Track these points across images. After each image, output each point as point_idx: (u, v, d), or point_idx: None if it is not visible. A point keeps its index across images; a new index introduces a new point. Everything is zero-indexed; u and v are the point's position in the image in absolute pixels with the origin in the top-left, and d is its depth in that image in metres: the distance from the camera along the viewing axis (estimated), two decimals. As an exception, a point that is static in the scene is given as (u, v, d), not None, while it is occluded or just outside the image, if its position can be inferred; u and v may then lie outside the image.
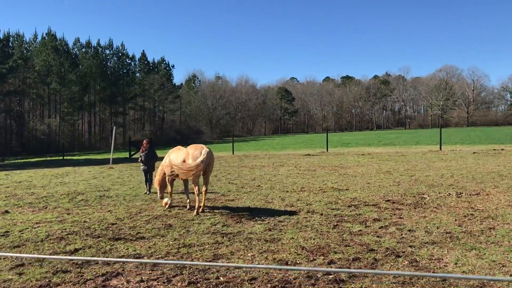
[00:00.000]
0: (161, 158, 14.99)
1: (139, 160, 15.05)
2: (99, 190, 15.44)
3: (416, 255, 6.39)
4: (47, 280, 5.89)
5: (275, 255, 6.64)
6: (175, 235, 8.25)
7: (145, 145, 14.87)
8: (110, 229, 9.05)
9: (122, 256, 6.93)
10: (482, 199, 10.81)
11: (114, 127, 26.52)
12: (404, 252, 6.59)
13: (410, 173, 16.62)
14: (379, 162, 21.83)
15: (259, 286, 5.37)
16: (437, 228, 8.07)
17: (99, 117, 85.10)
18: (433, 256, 6.35)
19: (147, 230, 8.78)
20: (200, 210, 10.33)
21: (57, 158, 43.45)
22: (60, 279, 5.92)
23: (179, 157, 10.78)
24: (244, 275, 5.76)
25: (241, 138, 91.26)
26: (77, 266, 6.51)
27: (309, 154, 29.45)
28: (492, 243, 6.93)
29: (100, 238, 8.18)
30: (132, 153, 35.93)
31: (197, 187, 10.36)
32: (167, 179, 11.42)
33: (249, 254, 6.77)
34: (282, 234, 8.00)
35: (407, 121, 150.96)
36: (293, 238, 7.66)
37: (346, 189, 13.29)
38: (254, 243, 7.42)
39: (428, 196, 11.56)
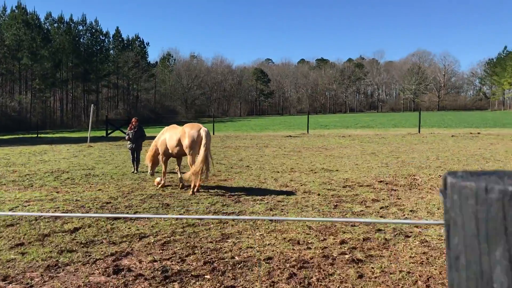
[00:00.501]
0: (150, 138, 14.73)
1: (126, 138, 14.69)
2: (83, 168, 15.09)
3: (425, 235, 6.43)
4: (54, 260, 5.68)
5: (284, 235, 6.59)
6: (175, 214, 8.10)
7: (134, 123, 14.47)
8: (106, 208, 8.83)
9: (127, 236, 6.75)
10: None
11: (92, 105, 25.83)
12: (411, 232, 6.63)
13: (395, 155, 16.82)
14: (362, 144, 22.02)
15: (276, 265, 5.31)
16: (438, 209, 8.17)
17: (72, 94, 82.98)
18: (441, 236, 6.41)
19: (144, 210, 8.61)
20: (195, 189, 10.18)
21: (30, 136, 42.23)
22: (67, 259, 5.72)
23: (174, 136, 10.56)
24: (259, 255, 5.69)
25: (217, 119, 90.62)
26: (82, 245, 6.31)
27: (290, 136, 29.49)
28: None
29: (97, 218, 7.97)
30: (109, 131, 35.24)
31: (193, 166, 10.18)
32: (160, 158, 11.18)
33: (257, 234, 6.70)
34: (285, 214, 7.96)
35: (380, 104, 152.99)
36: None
37: (336, 170, 13.34)
38: (259, 223, 7.35)
39: (420, 177, 11.71)
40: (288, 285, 4.68)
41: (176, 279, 4.93)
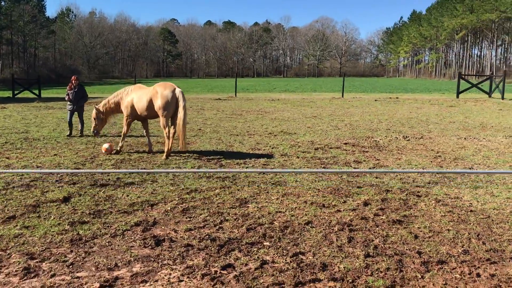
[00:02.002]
0: (92, 99, 13.57)
1: (66, 99, 13.34)
2: (16, 132, 13.60)
3: (434, 194, 6.68)
4: (74, 234, 5.04)
5: (302, 198, 6.46)
6: (166, 180, 7.59)
7: (74, 82, 13.13)
8: (80, 175, 8.02)
9: (134, 204, 6.19)
10: (432, 142, 11.65)
11: None
12: (419, 192, 6.85)
13: (338, 118, 17.26)
14: (296, 108, 22.30)
15: (323, 229, 5.18)
16: (424, 168, 8.53)
17: (-44, 50, 73.77)
18: (449, 194, 6.70)
19: (127, 175, 7.95)
20: (168, 154, 9.61)
21: None
22: (88, 232, 5.11)
23: (144, 97, 9.78)
24: (295, 219, 5.52)
25: (126, 80, 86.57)
26: (92, 216, 5.68)
27: (220, 99, 29.02)
28: (488, 181, 7.51)
29: (79, 185, 7.22)
30: (16, 92, 32.12)
31: (166, 128, 9.56)
32: (124, 121, 10.31)
33: (273, 198, 6.50)
34: (282, 177, 7.80)
35: (285, 69, 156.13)
36: (297, 181, 7.53)
37: (294, 133, 13.38)
38: (264, 186, 7.14)
39: (379, 139, 12.14)
40: (356, 248, 4.59)
41: (233, 248, 4.61)
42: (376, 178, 7.78)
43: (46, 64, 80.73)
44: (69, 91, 13.18)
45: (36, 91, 31.76)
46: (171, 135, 9.60)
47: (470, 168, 8.59)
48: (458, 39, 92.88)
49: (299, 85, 53.84)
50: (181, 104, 9.37)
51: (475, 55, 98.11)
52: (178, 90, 9.55)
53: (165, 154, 9.56)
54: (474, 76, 47.88)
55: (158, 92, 9.55)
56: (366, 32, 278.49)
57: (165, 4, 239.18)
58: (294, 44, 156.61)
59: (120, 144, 10.32)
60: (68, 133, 12.92)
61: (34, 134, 13.24)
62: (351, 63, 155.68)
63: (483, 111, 20.14)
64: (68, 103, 13.31)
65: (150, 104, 9.67)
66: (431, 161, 9.20)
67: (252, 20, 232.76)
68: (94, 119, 10.65)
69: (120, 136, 11.43)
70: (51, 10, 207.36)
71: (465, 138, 12.24)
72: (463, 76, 30.38)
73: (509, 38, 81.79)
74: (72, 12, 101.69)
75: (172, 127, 9.71)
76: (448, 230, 5.15)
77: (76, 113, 13.35)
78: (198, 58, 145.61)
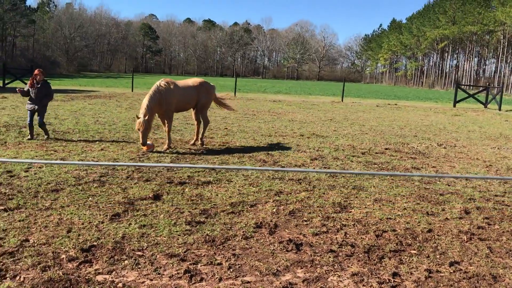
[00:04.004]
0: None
1: (21, 94, 10.84)
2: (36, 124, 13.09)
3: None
4: (203, 234, 4.84)
5: (398, 204, 6.41)
6: (241, 181, 7.42)
7: (38, 76, 10.69)
8: (144, 171, 7.76)
9: (232, 204, 6.02)
10: (469, 151, 11.81)
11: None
12: (503, 201, 6.89)
13: (355, 123, 17.30)
14: (304, 110, 22.27)
15: (448, 236, 5.15)
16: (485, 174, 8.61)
17: None
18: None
19: (197, 173, 7.74)
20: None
21: None
22: (215, 232, 4.92)
23: (191, 91, 10.22)
24: (414, 227, 5.46)
25: (105, 74, 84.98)
26: (204, 215, 5.48)
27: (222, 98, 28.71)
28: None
29: (155, 182, 7.00)
30: (7, 82, 31.07)
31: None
32: (170, 117, 10.16)
33: (368, 203, 6.43)
34: (358, 182, 7.74)
35: (264, 71, 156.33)
36: (375, 186, 7.48)
37: (326, 136, 13.35)
38: (347, 191, 7.07)
39: (416, 146, 12.23)
40: (508, 259, 4.57)
41: (381, 255, 4.52)
42: (448, 185, 7.80)
43: (24, 54, 78.44)
44: (30, 89, 10.65)
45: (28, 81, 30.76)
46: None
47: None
48: (439, 49, 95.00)
49: (288, 87, 53.96)
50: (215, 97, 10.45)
51: (449, 66, 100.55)
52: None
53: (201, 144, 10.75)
54: (468, 86, 48.99)
55: (204, 86, 10.38)
56: (344, 38, 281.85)
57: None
58: (274, 46, 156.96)
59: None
60: (28, 136, 10.60)
61: (60, 126, 12.80)
62: (329, 68, 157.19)
63: (490, 121, 20.59)
64: (28, 101, 10.78)
65: (196, 97, 9.93)
66: (488, 170, 9.30)
67: (232, 20, 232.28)
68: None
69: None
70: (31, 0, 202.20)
71: (498, 148, 12.45)
72: (460, 86, 31.04)
73: (488, 50, 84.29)
74: (53, 2, 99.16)
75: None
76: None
77: (36, 113, 10.80)
78: (178, 55, 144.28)
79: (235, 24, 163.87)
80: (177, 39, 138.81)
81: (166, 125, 10.06)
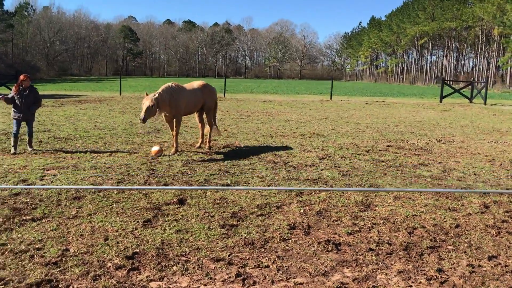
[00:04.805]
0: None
1: (5, 101, 9.61)
2: (38, 130, 12.93)
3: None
4: (241, 237, 4.88)
5: (418, 201, 6.54)
6: (258, 183, 7.48)
7: (23, 82, 9.73)
8: (175, 176, 7.77)
9: (259, 206, 6.08)
10: (468, 145, 12.05)
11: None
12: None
13: (350, 121, 17.47)
14: (296, 109, 22.38)
15: (476, 230, 5.28)
16: (493, 172, 8.80)
17: None
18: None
19: (213, 176, 7.77)
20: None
21: None
22: (252, 235, 4.97)
23: (198, 93, 10.49)
24: (442, 223, 5.59)
25: (85, 78, 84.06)
26: (236, 218, 5.52)
27: (211, 99, 28.67)
28: None
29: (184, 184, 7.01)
30: (-9, 88, 30.54)
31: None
32: (180, 121, 10.16)
33: (389, 201, 6.55)
34: (371, 180, 7.86)
35: (246, 71, 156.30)
36: (390, 184, 7.60)
37: (326, 135, 13.46)
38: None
39: (416, 142, 12.43)
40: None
41: (421, 252, 4.62)
42: (459, 181, 7.97)
43: (3, 60, 76.91)
44: (15, 95, 9.68)
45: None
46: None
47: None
48: (419, 46, 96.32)
49: (273, 87, 54.11)
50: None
51: (429, 62, 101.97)
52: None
53: (208, 146, 10.87)
54: (453, 82, 49.78)
55: (208, 89, 10.94)
56: (324, 36, 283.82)
57: (122, 1, 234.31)
58: (255, 45, 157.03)
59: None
60: (12, 150, 9.53)
61: (59, 133, 12.67)
62: (310, 66, 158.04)
63: (479, 115, 21.01)
64: (14, 109, 9.74)
65: (203, 100, 10.82)
66: (492, 164, 9.51)
67: (212, 20, 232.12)
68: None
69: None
70: (8, 4, 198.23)
71: (495, 142, 12.73)
72: (445, 82, 31.57)
73: (467, 45, 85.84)
74: (31, 6, 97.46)
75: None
76: None
77: (23, 122, 9.93)
78: (159, 57, 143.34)
79: (216, 24, 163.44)
80: (157, 41, 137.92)
81: (174, 128, 10.02)
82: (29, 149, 9.78)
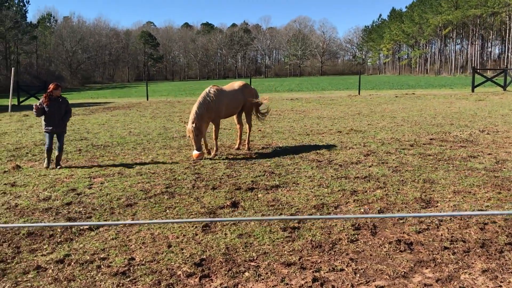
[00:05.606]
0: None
1: (35, 114, 8.93)
2: (74, 139, 13.04)
3: None
4: (308, 241, 4.73)
5: (477, 195, 6.28)
6: (307, 183, 7.31)
7: (53, 92, 9.03)
8: (225, 180, 7.66)
9: (315, 206, 5.91)
10: (515, 135, 11.64)
11: (13, 68, 22.40)
12: None
13: (385, 116, 17.12)
14: (327, 106, 22.12)
15: (551, 225, 5.01)
16: (551, 161, 8.44)
17: None
18: None
19: (260, 178, 7.64)
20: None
21: None
22: (317, 237, 4.81)
23: (238, 96, 10.25)
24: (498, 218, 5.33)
25: (109, 85, 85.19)
26: (297, 221, 5.37)
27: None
28: None
29: (223, 189, 6.89)
30: (21, 99, 31.22)
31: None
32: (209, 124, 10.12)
33: (448, 196, 6.30)
34: (433, 175, 7.60)
35: (266, 70, 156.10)
36: (443, 179, 7.34)
37: (364, 131, 13.19)
38: (417, 185, 6.93)
39: (458, 134, 12.06)
40: None
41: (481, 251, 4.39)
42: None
43: (28, 71, 78.61)
44: (45, 106, 8.91)
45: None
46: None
47: None
48: (443, 35, 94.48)
49: (296, 85, 53.82)
50: None
51: (453, 51, 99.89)
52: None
53: (244, 145, 10.80)
54: (484, 71, 48.64)
55: (250, 89, 10.41)
56: (343, 30, 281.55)
57: (140, 7, 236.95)
58: (274, 44, 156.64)
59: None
60: (46, 164, 9.07)
61: (97, 140, 12.73)
62: (330, 62, 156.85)
63: (516, 104, 20.37)
64: (45, 121, 9.05)
65: (243, 101, 10.37)
66: (546, 153, 9.13)
67: (230, 21, 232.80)
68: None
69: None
70: (31, 15, 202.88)
71: (542, 131, 12.26)
72: (477, 71, 30.79)
73: (493, 32, 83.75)
74: (53, 17, 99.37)
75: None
76: None
77: (55, 135, 9.17)
78: (179, 61, 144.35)
79: (234, 25, 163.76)
80: (177, 45, 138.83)
81: (213, 132, 9.98)
82: (57, 168, 8.93)
